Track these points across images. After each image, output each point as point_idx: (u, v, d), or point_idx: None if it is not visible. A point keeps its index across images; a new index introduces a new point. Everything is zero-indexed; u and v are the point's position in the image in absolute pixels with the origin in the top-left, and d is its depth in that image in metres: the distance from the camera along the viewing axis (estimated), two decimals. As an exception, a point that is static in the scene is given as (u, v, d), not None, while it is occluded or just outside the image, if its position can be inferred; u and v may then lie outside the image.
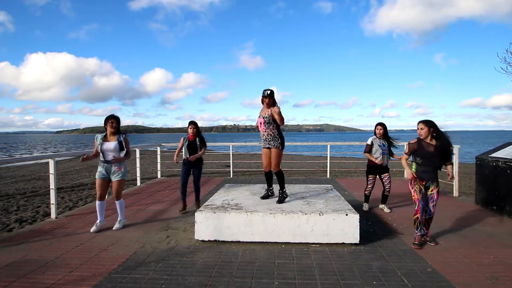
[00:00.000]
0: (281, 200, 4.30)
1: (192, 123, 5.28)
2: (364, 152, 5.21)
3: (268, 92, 4.11)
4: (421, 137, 3.70)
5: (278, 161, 4.24)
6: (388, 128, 5.17)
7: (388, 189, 5.13)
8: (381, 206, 5.24)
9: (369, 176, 5.21)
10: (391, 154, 5.15)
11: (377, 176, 5.19)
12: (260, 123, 4.19)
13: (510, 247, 3.66)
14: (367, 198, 5.34)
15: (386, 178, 5.12)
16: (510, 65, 8.34)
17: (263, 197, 4.53)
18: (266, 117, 4.11)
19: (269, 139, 4.18)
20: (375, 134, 5.13)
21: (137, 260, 3.35)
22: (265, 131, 4.16)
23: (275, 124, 4.14)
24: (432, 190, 3.73)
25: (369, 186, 5.24)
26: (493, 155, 5.41)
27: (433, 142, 3.66)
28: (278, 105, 4.12)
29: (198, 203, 5.44)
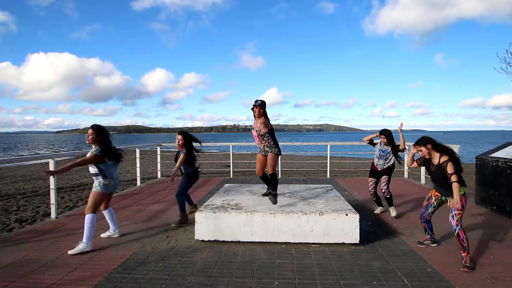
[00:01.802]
0: (273, 198, 4.11)
1: (181, 134, 4.66)
2: (364, 138, 5.22)
3: (259, 102, 4.10)
4: (426, 158, 3.44)
5: (273, 164, 4.20)
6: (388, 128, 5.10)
7: (383, 190, 4.94)
8: (389, 208, 5.03)
9: (369, 178, 5.20)
10: (397, 157, 4.91)
11: (377, 179, 5.08)
12: (255, 136, 4.22)
13: (510, 247, 3.67)
14: (376, 202, 5.21)
15: (382, 179, 4.99)
16: (510, 65, 8.34)
17: (265, 194, 4.61)
18: (259, 131, 4.13)
19: (266, 150, 4.21)
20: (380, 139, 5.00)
21: (137, 260, 3.35)
22: (261, 143, 4.20)
23: (270, 135, 4.17)
24: (449, 202, 3.37)
25: (369, 188, 5.15)
26: (493, 155, 5.41)
27: (436, 158, 3.37)
28: (267, 117, 4.12)
29: (181, 216, 4.63)
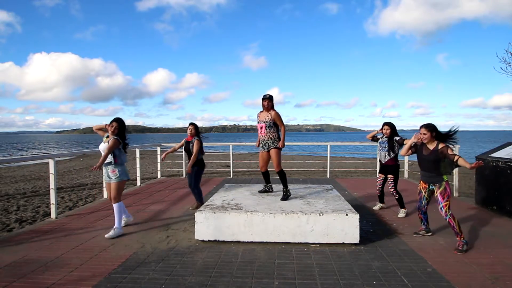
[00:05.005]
0: (285, 198, 4.41)
1: (192, 124, 5.32)
2: (367, 135, 5.38)
3: (268, 96, 4.41)
4: (425, 142, 3.73)
5: (279, 161, 4.36)
6: None
7: (391, 191, 4.97)
8: (399, 210, 4.98)
9: (377, 173, 5.29)
10: (393, 152, 4.88)
11: (386, 176, 5.10)
12: (261, 128, 4.35)
13: (510, 247, 3.66)
14: (379, 197, 5.37)
15: (389, 179, 5.01)
16: (510, 65, 8.36)
17: (261, 191, 4.82)
18: (267, 121, 4.28)
19: (270, 143, 4.31)
20: (382, 133, 5.04)
21: (137, 260, 3.35)
22: (266, 135, 4.31)
23: (275, 127, 4.34)
24: (436, 193, 3.72)
25: (376, 184, 5.29)
26: (493, 155, 5.41)
27: (433, 145, 3.69)
28: (276, 110, 4.39)
29: (197, 204, 5.38)
